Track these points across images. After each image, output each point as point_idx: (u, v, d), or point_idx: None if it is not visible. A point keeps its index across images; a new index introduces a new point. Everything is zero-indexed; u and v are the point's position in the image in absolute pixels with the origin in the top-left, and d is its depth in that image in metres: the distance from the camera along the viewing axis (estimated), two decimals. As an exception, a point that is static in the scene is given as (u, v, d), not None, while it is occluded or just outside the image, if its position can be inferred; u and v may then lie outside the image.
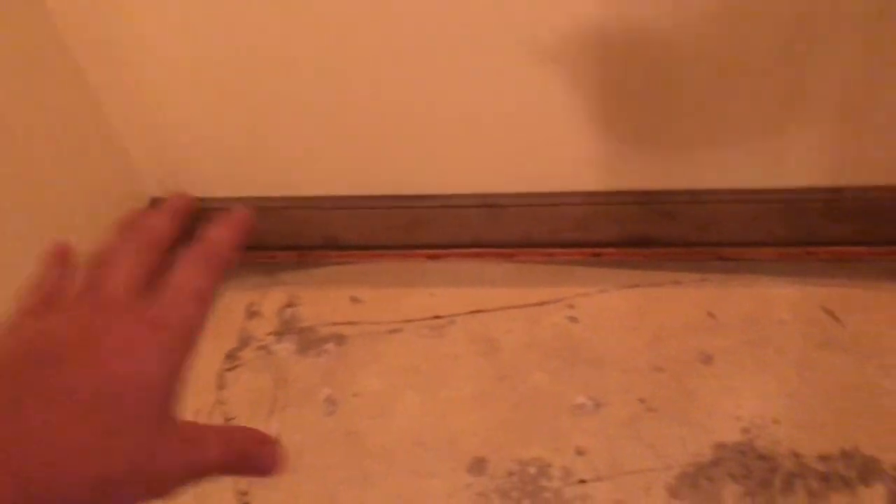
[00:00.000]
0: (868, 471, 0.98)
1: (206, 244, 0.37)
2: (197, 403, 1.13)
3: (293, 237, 1.30)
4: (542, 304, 1.20)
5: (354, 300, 1.24)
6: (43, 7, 1.03)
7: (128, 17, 1.05)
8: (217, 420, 1.11)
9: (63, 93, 1.07)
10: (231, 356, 1.19)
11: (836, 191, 1.15)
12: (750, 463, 1.00)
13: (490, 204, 1.23)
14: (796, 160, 1.12)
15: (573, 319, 1.17)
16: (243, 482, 1.04)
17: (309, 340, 1.19)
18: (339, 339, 1.19)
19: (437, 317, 1.21)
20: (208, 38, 1.06)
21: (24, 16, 1.00)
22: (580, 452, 1.03)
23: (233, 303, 1.26)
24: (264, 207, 1.27)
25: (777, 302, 1.16)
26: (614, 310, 1.18)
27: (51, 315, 0.33)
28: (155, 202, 1.28)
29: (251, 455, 0.34)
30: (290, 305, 1.25)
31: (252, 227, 0.39)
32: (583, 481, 1.00)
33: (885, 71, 1.01)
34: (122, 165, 1.20)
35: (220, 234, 0.38)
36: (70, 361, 0.30)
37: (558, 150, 1.15)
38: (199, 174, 1.24)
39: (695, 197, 1.18)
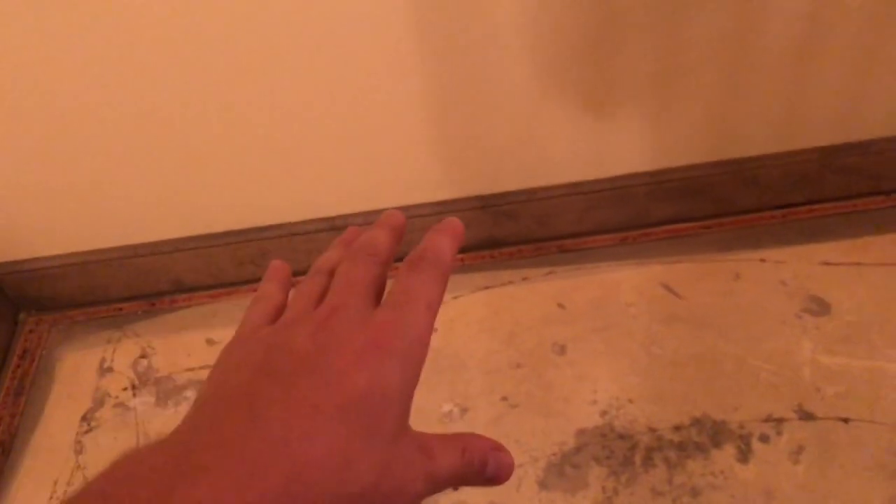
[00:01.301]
0: (718, 433, 1.04)
1: (429, 252, 0.35)
2: (54, 473, 1.08)
3: (138, 286, 1.26)
4: (399, 318, 1.21)
5: (210, 342, 1.22)
6: None
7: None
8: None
9: None
10: (87, 418, 1.14)
11: (658, 173, 1.22)
12: (611, 444, 1.05)
13: (337, 226, 1.23)
14: (617, 150, 1.18)
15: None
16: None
17: (167, 390, 1.16)
18: (199, 385, 1.16)
19: (297, 346, 1.20)
20: (28, 92, 1.01)
21: None
22: (451, 460, 1.05)
23: (83, 361, 1.21)
24: (102, 260, 1.22)
25: (620, 285, 1.22)
26: (470, 313, 1.21)
27: (281, 329, 0.32)
28: (-19, 269, 1.21)
29: (486, 463, 0.33)
30: (143, 356, 1.21)
31: (463, 233, 0.38)
32: (455, 487, 1.02)
33: (687, 56, 1.07)
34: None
35: (440, 242, 0.36)
36: (310, 375, 0.29)
37: (397, 165, 1.17)
38: (29, 234, 1.18)
39: (530, 195, 1.23)
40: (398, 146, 1.14)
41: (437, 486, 0.31)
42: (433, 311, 0.33)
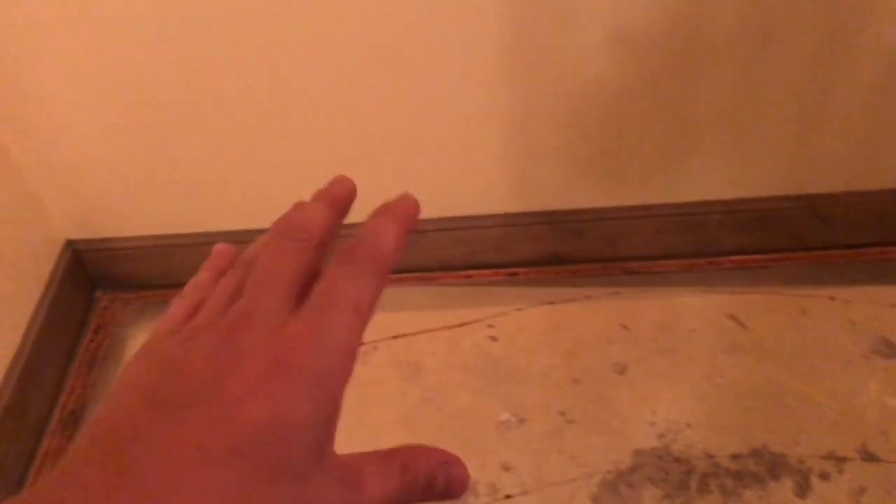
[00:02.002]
0: (776, 466, 1.03)
1: (365, 241, 0.29)
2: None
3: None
4: (462, 325, 1.23)
5: (277, 332, 1.25)
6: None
7: (29, 56, 1.04)
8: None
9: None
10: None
11: (732, 203, 1.22)
12: (667, 466, 1.05)
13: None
14: (692, 176, 1.19)
15: (493, 339, 1.20)
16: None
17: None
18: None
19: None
20: (120, 75, 1.06)
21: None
22: (506, 468, 1.06)
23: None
24: (179, 244, 1.26)
25: (685, 311, 1.22)
26: (531, 327, 1.22)
27: (184, 340, 0.27)
28: (70, 245, 1.26)
29: (434, 478, 0.28)
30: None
31: (419, 218, 0.32)
32: (509, 496, 1.03)
33: (769, 90, 1.08)
34: (31, 209, 1.18)
35: (381, 227, 0.30)
36: (201, 408, 0.24)
37: (467, 175, 1.19)
38: (114, 214, 1.23)
39: (600, 214, 1.24)
40: (470, 156, 1.16)
41: None
42: (363, 314, 0.28)
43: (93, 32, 1.01)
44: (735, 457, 1.05)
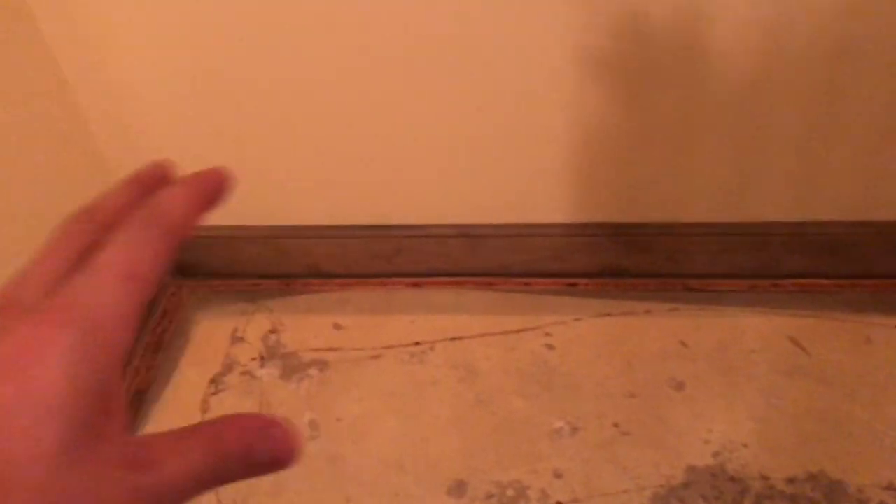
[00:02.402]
0: (834, 492, 1.02)
1: (152, 208, 0.27)
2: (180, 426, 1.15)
3: (277, 265, 1.33)
4: (519, 331, 1.24)
5: (336, 327, 1.27)
6: (30, 16, 1.06)
7: (116, 50, 1.08)
8: (200, 444, 1.12)
9: (57, 125, 1.10)
10: (215, 381, 1.21)
11: (799, 225, 1.21)
12: (721, 485, 1.04)
13: (469, 234, 1.27)
14: (760, 195, 1.18)
15: (550, 347, 1.21)
16: (226, 501, 1.05)
17: (292, 366, 1.22)
18: (322, 365, 1.22)
19: (417, 343, 1.24)
20: (204, 65, 1.10)
21: (11, 21, 1.03)
22: (557, 475, 1.06)
23: (217, 328, 1.28)
24: (248, 236, 1.29)
25: (746, 331, 1.21)
26: (589, 338, 1.22)
27: None
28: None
29: (253, 450, 0.25)
30: (273, 332, 1.27)
31: (226, 192, 0.30)
32: (560, 503, 1.03)
33: (845, 111, 1.07)
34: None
35: (173, 197, 0.28)
36: None
37: (536, 182, 1.20)
38: (186, 202, 1.27)
39: (665, 229, 1.23)
40: (539, 164, 1.17)
41: (172, 499, 0.23)
42: (138, 280, 0.25)
43: (173, 22, 1.05)
44: (791, 480, 1.03)
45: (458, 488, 1.06)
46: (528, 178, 1.19)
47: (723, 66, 1.03)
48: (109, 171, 1.22)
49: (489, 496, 1.04)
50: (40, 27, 1.05)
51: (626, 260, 1.28)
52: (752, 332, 1.21)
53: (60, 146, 1.11)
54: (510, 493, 1.05)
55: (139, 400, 1.19)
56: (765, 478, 1.04)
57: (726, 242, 1.24)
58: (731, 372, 1.16)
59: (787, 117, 1.08)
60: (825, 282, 1.26)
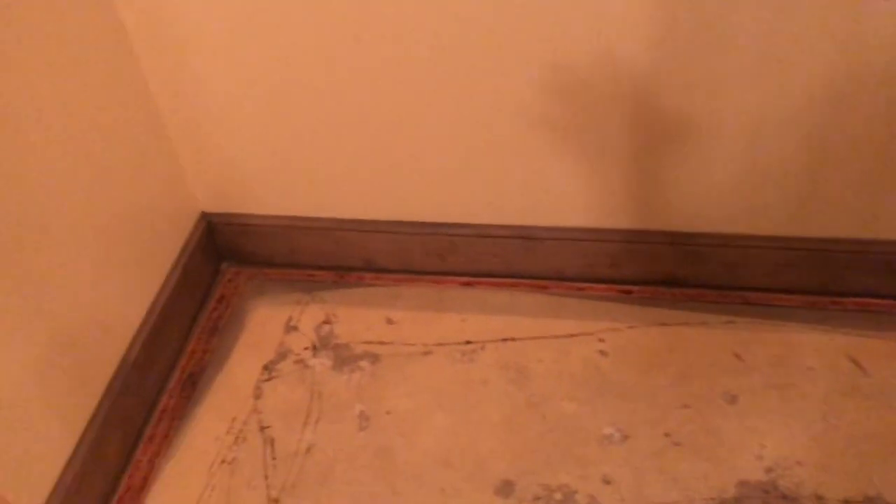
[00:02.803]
0: (889, 517, 1.00)
1: None
2: (233, 410, 1.16)
3: (333, 257, 1.34)
4: (572, 336, 1.23)
5: (389, 321, 1.28)
6: (118, 23, 1.08)
7: (191, 41, 1.10)
8: (252, 427, 1.14)
9: (127, 103, 1.12)
10: (268, 367, 1.22)
11: (863, 243, 1.18)
12: (773, 502, 1.02)
13: (525, 235, 1.26)
14: (824, 210, 1.16)
15: (603, 353, 1.20)
16: (275, 488, 1.06)
17: (344, 357, 1.23)
18: (373, 358, 1.22)
19: (468, 342, 1.24)
20: (265, 62, 1.11)
21: (99, 29, 1.05)
22: (606, 481, 1.05)
23: (272, 317, 1.30)
24: (306, 227, 1.31)
25: (803, 348, 1.19)
26: (643, 346, 1.21)
27: None
28: (205, 217, 1.33)
29: None
30: (327, 322, 1.28)
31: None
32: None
33: (919, 129, 1.05)
34: (177, 180, 1.25)
35: None
36: None
37: (594, 187, 1.19)
38: (248, 191, 1.29)
39: (725, 240, 1.22)
40: (599, 168, 1.17)
41: None
42: None
43: (247, 16, 1.07)
44: (847, 502, 1.01)
45: (506, 488, 1.05)
46: (586, 182, 1.19)
47: (792, 74, 1.02)
48: (182, 169, 1.25)
49: (536, 498, 1.04)
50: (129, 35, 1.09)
51: (682, 269, 1.27)
52: (809, 348, 1.19)
53: (140, 152, 1.14)
54: (558, 496, 1.04)
55: (192, 383, 1.21)
56: (819, 497, 1.02)
57: (788, 257, 1.22)
58: (786, 388, 1.14)
59: (856, 133, 1.06)
60: (888, 302, 1.23)
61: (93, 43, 1.04)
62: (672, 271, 1.27)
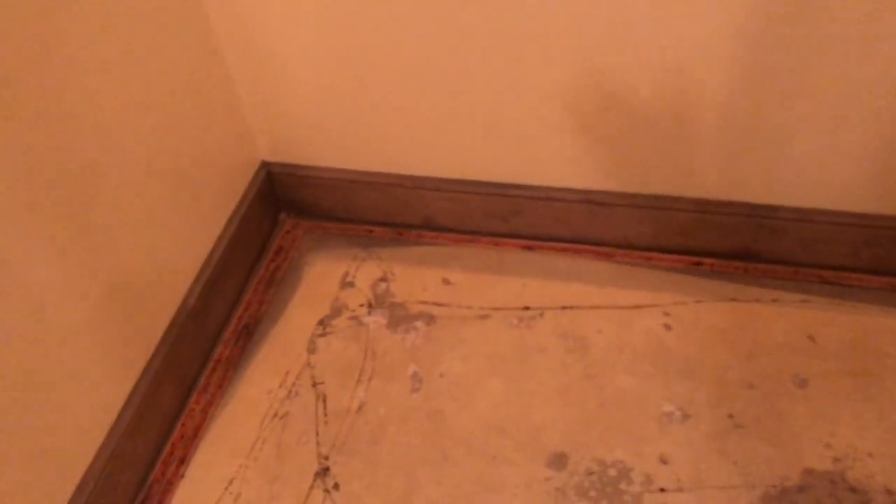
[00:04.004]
0: (965, 518, 0.94)
1: None
2: (287, 364, 1.16)
3: (392, 214, 1.32)
4: (636, 307, 1.19)
5: (446, 282, 1.25)
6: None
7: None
8: (305, 382, 1.13)
9: (192, 52, 1.10)
10: (323, 323, 1.21)
11: (959, 225, 1.10)
12: (840, 494, 0.97)
13: (592, 200, 1.21)
14: (921, 188, 1.08)
15: (667, 327, 1.16)
16: (325, 445, 1.06)
17: (399, 316, 1.21)
18: (429, 319, 1.20)
19: (527, 308, 1.21)
20: (334, 13, 1.08)
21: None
22: (663, 461, 1.02)
23: (329, 271, 1.28)
24: (367, 182, 1.28)
25: (882, 333, 1.13)
26: (710, 321, 1.16)
27: None
28: (265, 166, 1.31)
29: None
30: (383, 280, 1.26)
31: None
32: (663, 490, 0.99)
33: None
34: (239, 128, 1.23)
35: None
36: None
37: (668, 154, 1.13)
38: (309, 143, 1.26)
39: (805, 215, 1.15)
40: (675, 135, 1.11)
41: None
42: None
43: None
44: (919, 499, 0.96)
45: (559, 460, 1.03)
46: (659, 149, 1.13)
47: (877, 41, 0.94)
48: (244, 118, 1.23)
49: (590, 472, 1.01)
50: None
51: (758, 243, 1.20)
52: (889, 334, 1.12)
53: (204, 101, 1.12)
54: (612, 472, 1.01)
55: (247, 333, 1.20)
56: (890, 492, 0.97)
57: (871, 235, 1.14)
58: (861, 374, 1.08)
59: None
60: (979, 289, 1.16)
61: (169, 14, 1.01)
62: (747, 245, 1.21)
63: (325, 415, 1.10)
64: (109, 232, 0.96)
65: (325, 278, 1.27)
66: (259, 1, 1.08)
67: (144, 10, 0.98)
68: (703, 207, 1.17)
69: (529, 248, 1.28)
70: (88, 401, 0.95)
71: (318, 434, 1.08)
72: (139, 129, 1.00)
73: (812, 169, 1.10)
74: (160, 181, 1.05)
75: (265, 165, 1.31)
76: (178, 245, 1.11)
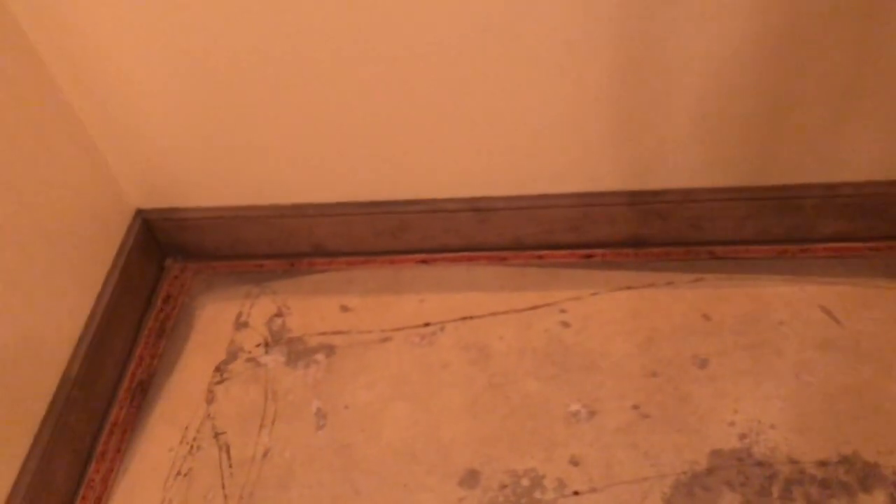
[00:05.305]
0: (868, 476, 0.96)
1: None
2: (186, 418, 1.12)
3: (280, 245, 1.28)
4: (533, 308, 1.18)
5: (344, 308, 1.22)
6: (12, 20, 1.00)
7: (104, 27, 1.02)
8: (207, 434, 1.09)
9: (38, 106, 1.04)
10: (220, 369, 1.17)
11: (832, 187, 1.12)
12: (747, 470, 0.98)
13: (479, 207, 1.20)
14: (790, 157, 1.10)
15: (565, 324, 1.15)
16: (233, 498, 1.02)
17: (298, 352, 1.18)
18: (329, 350, 1.17)
19: (427, 324, 1.19)
20: (190, 47, 1.03)
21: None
22: (574, 462, 1.01)
23: (221, 313, 1.24)
24: (250, 216, 1.24)
25: (774, 302, 1.14)
26: (607, 313, 1.16)
27: None
28: (140, 214, 1.26)
29: None
30: (278, 315, 1.23)
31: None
32: (577, 493, 0.98)
33: (877, 66, 0.98)
34: (102, 178, 1.18)
35: None
36: None
37: (549, 152, 1.12)
38: (185, 185, 1.21)
39: (687, 196, 1.16)
40: (550, 133, 1.10)
41: None
42: None
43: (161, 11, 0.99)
44: (822, 464, 0.98)
45: (471, 478, 1.01)
46: (537, 148, 1.12)
47: (743, 19, 0.94)
48: (108, 168, 1.18)
49: (503, 486, 1.00)
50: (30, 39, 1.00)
51: (645, 228, 1.21)
52: (780, 302, 1.14)
53: (57, 156, 1.06)
54: (525, 482, 1.00)
55: (142, 391, 1.16)
56: (794, 461, 0.98)
57: (753, 207, 1.16)
58: (758, 346, 1.10)
59: (820, 70, 0.99)
60: (860, 245, 1.18)
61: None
62: (635, 231, 1.21)
63: (231, 466, 1.06)
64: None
65: (218, 321, 1.23)
66: (105, 44, 1.03)
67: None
68: (586, 201, 1.17)
69: (424, 261, 1.27)
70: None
71: (224, 487, 1.04)
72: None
73: (688, 148, 1.10)
74: (22, 247, 1.00)
75: (140, 213, 1.26)
76: (52, 311, 1.06)
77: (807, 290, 1.15)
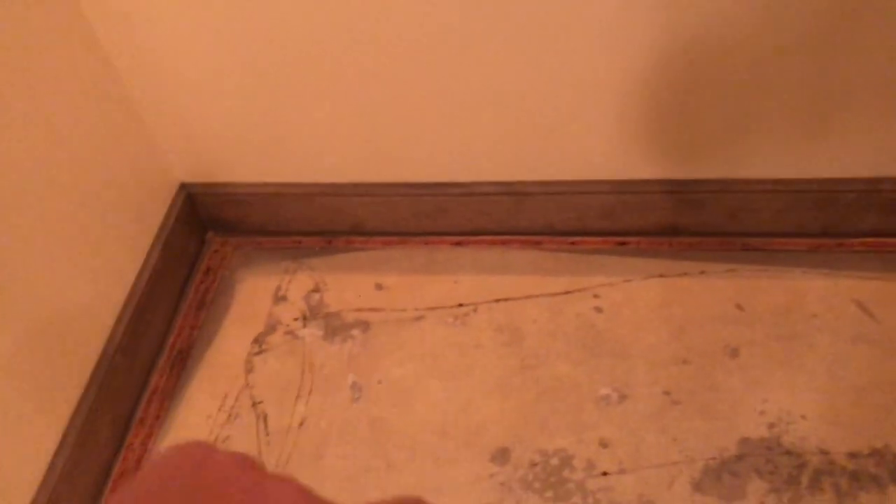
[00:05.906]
0: (897, 469, 0.97)
1: None
2: (225, 387, 1.15)
3: (320, 223, 1.30)
4: (566, 293, 1.19)
5: (379, 287, 1.24)
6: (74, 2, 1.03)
7: (154, 9, 1.04)
8: (245, 403, 1.12)
9: (90, 81, 1.07)
10: (258, 340, 1.20)
11: (873, 182, 1.12)
12: (776, 459, 0.99)
13: (515, 192, 1.22)
14: (832, 151, 1.10)
15: (598, 310, 1.16)
16: (269, 466, 1.05)
17: (335, 326, 1.20)
18: (365, 326, 1.19)
19: (460, 304, 1.21)
20: (236, 24, 1.06)
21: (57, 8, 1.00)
22: (604, 444, 1.03)
23: (260, 286, 1.27)
24: (291, 193, 1.27)
25: (808, 294, 1.15)
26: (639, 300, 1.17)
27: None
28: (184, 188, 1.29)
29: None
30: (316, 290, 1.25)
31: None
32: (606, 473, 1.00)
33: (926, 60, 0.98)
34: (149, 152, 1.21)
35: None
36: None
37: (586, 138, 1.13)
38: (228, 160, 1.24)
39: (725, 186, 1.16)
40: (586, 118, 1.11)
41: None
42: None
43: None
44: (853, 455, 0.98)
45: (502, 455, 1.03)
46: (578, 134, 1.13)
47: (785, 10, 0.95)
48: (155, 142, 1.20)
49: (533, 464, 1.02)
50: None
51: (681, 217, 1.22)
52: (814, 295, 1.14)
53: (108, 128, 1.09)
54: (554, 461, 1.02)
55: (182, 360, 1.19)
56: (824, 452, 0.99)
57: (791, 200, 1.16)
58: (790, 338, 1.10)
59: (862, 65, 0.99)
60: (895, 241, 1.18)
61: (47, 22, 0.99)
62: (670, 220, 1.22)
63: (267, 434, 1.09)
64: (20, 274, 0.94)
65: (258, 295, 1.26)
66: (154, 24, 1.06)
67: (34, 44, 0.95)
68: (622, 188, 1.18)
69: (459, 244, 1.28)
70: (16, 452, 0.93)
71: (261, 455, 1.07)
72: (42, 164, 0.97)
73: (726, 139, 1.11)
74: (71, 217, 1.03)
75: (184, 187, 1.29)
76: (100, 279, 1.09)
77: (841, 284, 1.15)
